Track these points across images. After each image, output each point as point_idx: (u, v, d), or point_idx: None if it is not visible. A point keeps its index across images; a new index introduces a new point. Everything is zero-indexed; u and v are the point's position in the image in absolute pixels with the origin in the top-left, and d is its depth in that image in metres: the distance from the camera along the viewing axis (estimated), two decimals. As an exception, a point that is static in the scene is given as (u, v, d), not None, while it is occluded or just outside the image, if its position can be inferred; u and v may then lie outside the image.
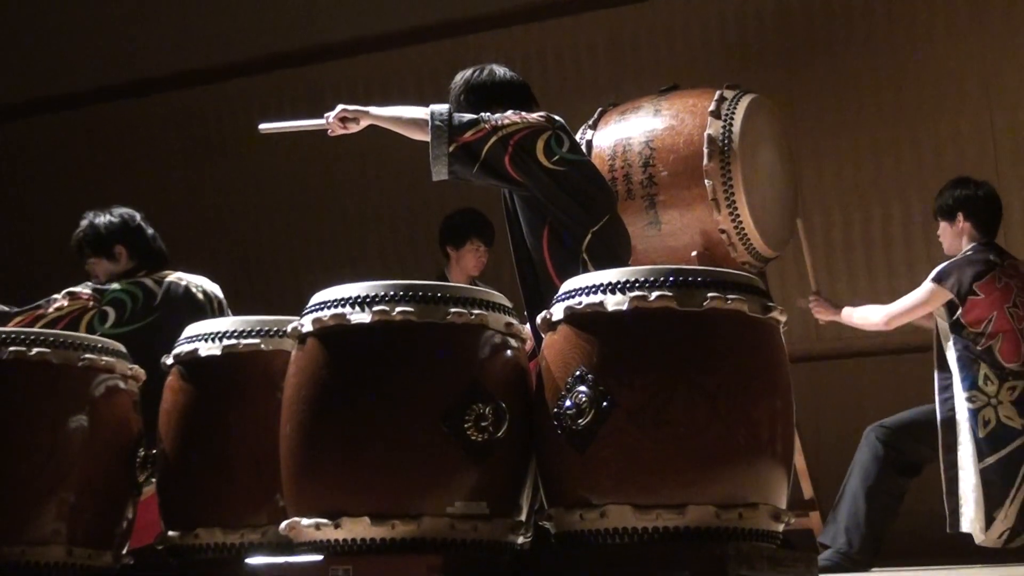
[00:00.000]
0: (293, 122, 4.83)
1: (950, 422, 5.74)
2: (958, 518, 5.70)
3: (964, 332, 5.78)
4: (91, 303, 5.13)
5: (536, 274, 4.60)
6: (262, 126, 4.87)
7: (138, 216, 5.57)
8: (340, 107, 4.65)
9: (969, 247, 5.99)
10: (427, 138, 4.47)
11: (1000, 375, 5.75)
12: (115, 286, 5.25)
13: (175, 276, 5.41)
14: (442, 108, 4.48)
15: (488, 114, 4.50)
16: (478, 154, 4.40)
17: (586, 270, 4.34)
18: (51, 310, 5.05)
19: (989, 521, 5.65)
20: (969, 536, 5.72)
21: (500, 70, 4.80)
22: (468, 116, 4.47)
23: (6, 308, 5.11)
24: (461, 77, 4.79)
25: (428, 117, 4.44)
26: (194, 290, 5.36)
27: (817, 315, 6.19)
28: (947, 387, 5.80)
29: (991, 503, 5.64)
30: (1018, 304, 5.84)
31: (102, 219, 5.51)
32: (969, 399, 5.72)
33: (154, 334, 4.94)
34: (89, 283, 5.32)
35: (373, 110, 4.64)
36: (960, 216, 6.03)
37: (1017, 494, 5.64)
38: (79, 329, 5.01)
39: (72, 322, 5.05)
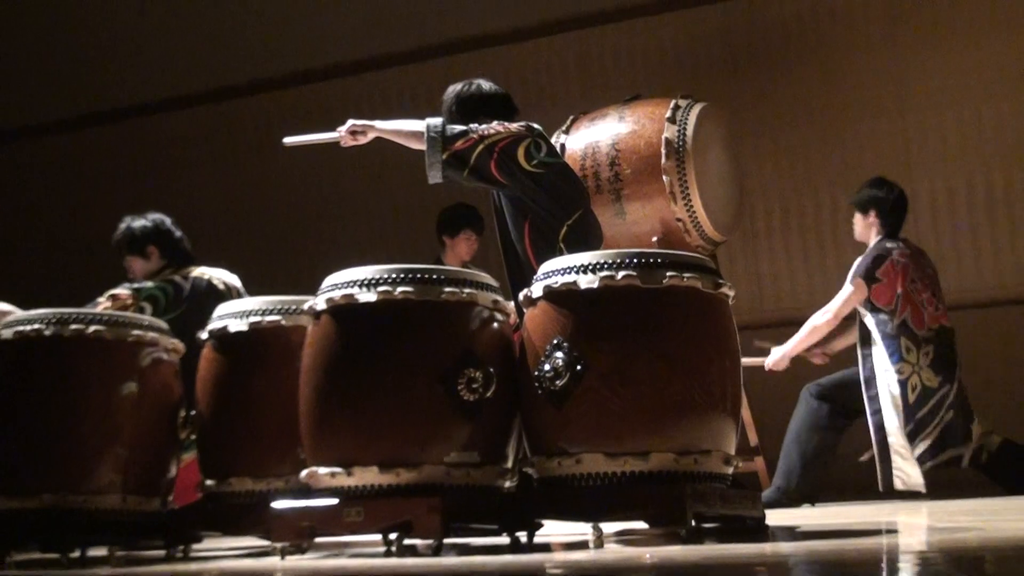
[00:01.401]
0: (313, 136, 4.79)
1: (870, 381, 5.80)
2: (891, 480, 5.74)
3: (880, 313, 5.83)
4: (130, 301, 5.14)
5: (519, 260, 4.58)
6: (286, 140, 4.83)
7: (168, 220, 5.59)
8: (350, 122, 4.63)
9: (876, 239, 6.02)
10: (424, 147, 4.45)
11: (916, 342, 5.80)
12: (149, 284, 5.27)
13: (199, 271, 5.44)
14: (436, 121, 4.45)
15: (476, 125, 4.47)
16: (468, 160, 4.37)
17: None
18: (98, 310, 5.05)
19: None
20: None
21: (486, 84, 4.77)
22: (458, 127, 4.44)
23: None
24: (452, 90, 4.76)
25: (424, 129, 4.42)
26: (216, 282, 5.38)
27: (777, 368, 6.22)
28: (868, 356, 5.85)
29: (913, 446, 5.70)
30: (915, 279, 5.90)
31: (137, 223, 5.54)
32: (898, 371, 5.75)
33: (185, 321, 4.95)
34: (126, 283, 5.33)
35: (378, 124, 4.61)
36: (872, 212, 6.07)
37: (928, 436, 5.70)
38: None
39: None
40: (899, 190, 6.12)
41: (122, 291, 5.22)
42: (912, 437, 5.67)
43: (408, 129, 4.49)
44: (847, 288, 5.94)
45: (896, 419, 5.73)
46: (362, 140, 4.61)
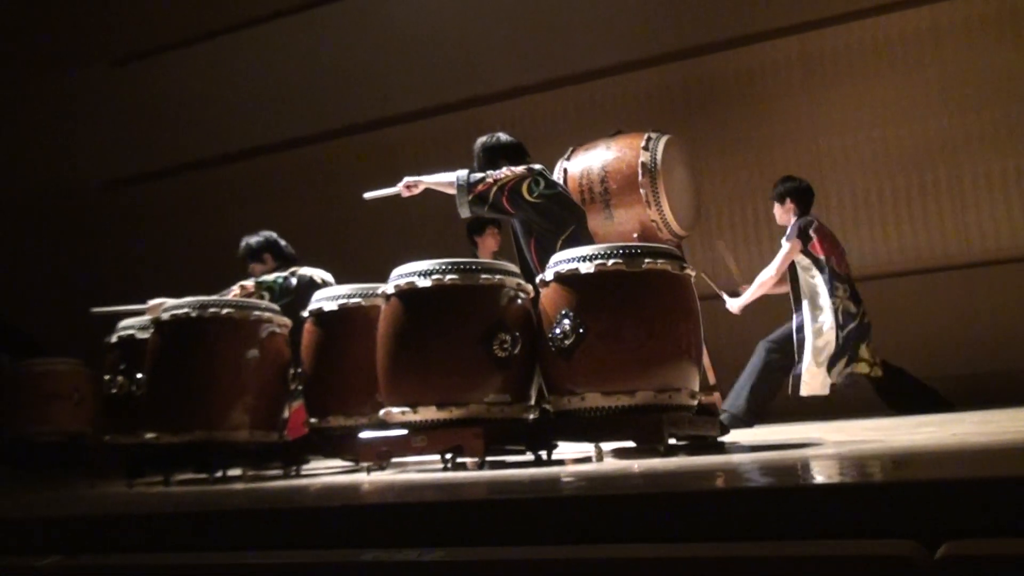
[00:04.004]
0: (383, 191, 4.78)
1: (800, 328, 5.78)
2: (799, 388, 5.74)
3: (818, 260, 5.83)
4: (253, 290, 5.16)
5: (528, 263, 4.57)
6: (366, 195, 4.84)
7: (275, 234, 5.61)
8: (406, 179, 4.62)
9: (794, 219, 5.99)
10: (448, 191, 4.48)
11: (840, 281, 5.79)
12: (267, 279, 5.28)
13: (303, 270, 5.44)
14: (463, 172, 4.45)
15: (491, 171, 4.45)
16: (487, 198, 4.36)
17: None
18: (230, 297, 5.09)
19: (831, 368, 5.72)
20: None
21: (504, 136, 4.74)
22: (478, 175, 4.43)
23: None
24: (480, 141, 4.73)
25: (455, 179, 4.44)
26: (316, 277, 5.39)
27: (736, 311, 6.16)
28: (799, 301, 5.83)
29: (835, 359, 5.70)
30: (832, 239, 5.90)
31: (253, 239, 5.57)
32: (832, 302, 5.74)
33: (294, 305, 4.98)
34: (251, 278, 5.35)
35: (424, 178, 4.59)
36: (788, 200, 6.04)
37: (847, 356, 5.70)
38: None
39: None
40: (805, 181, 6.12)
41: (248, 283, 5.24)
42: (840, 352, 5.68)
43: (445, 180, 4.50)
44: (784, 248, 5.92)
45: (833, 322, 5.70)
46: (415, 191, 4.63)
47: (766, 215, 7.23)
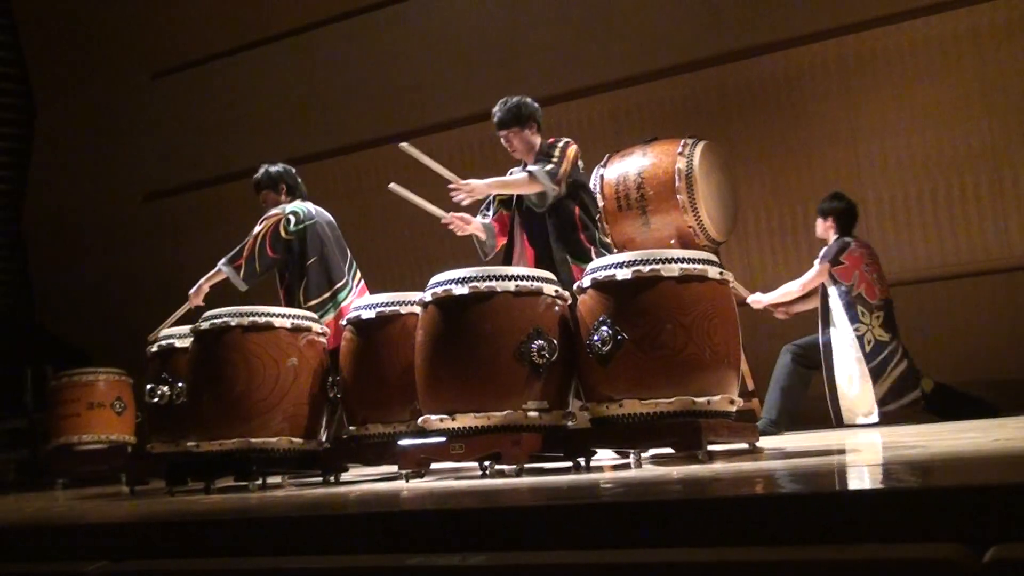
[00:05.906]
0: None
1: (827, 347, 5.73)
2: (841, 417, 5.68)
3: (842, 286, 5.76)
4: (280, 217, 5.14)
5: (552, 258, 4.60)
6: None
7: (293, 169, 5.54)
8: (470, 181, 4.58)
9: (833, 237, 5.96)
10: (534, 189, 4.53)
11: (869, 309, 5.72)
12: (291, 205, 5.24)
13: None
14: (536, 167, 4.50)
15: (553, 151, 4.56)
16: (556, 175, 4.50)
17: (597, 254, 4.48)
18: (258, 231, 5.11)
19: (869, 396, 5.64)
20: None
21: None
22: (549, 165, 4.49)
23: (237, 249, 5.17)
24: (532, 102, 4.84)
25: (535, 174, 4.50)
26: (324, 211, 5.41)
27: (756, 305, 6.07)
28: (827, 324, 5.77)
29: (870, 389, 5.63)
30: (867, 263, 5.82)
31: (273, 167, 5.45)
32: (856, 329, 5.70)
33: (317, 232, 5.16)
34: (272, 209, 5.29)
35: (479, 183, 4.59)
36: (830, 218, 6.02)
37: (886, 380, 5.63)
38: (279, 232, 5.12)
39: (274, 230, 5.13)
40: (851, 202, 6.07)
41: (271, 212, 5.22)
42: (874, 378, 5.59)
43: (514, 180, 4.62)
44: (815, 269, 5.89)
45: (848, 370, 5.64)
46: (475, 196, 4.64)
47: (804, 221, 7.18)
